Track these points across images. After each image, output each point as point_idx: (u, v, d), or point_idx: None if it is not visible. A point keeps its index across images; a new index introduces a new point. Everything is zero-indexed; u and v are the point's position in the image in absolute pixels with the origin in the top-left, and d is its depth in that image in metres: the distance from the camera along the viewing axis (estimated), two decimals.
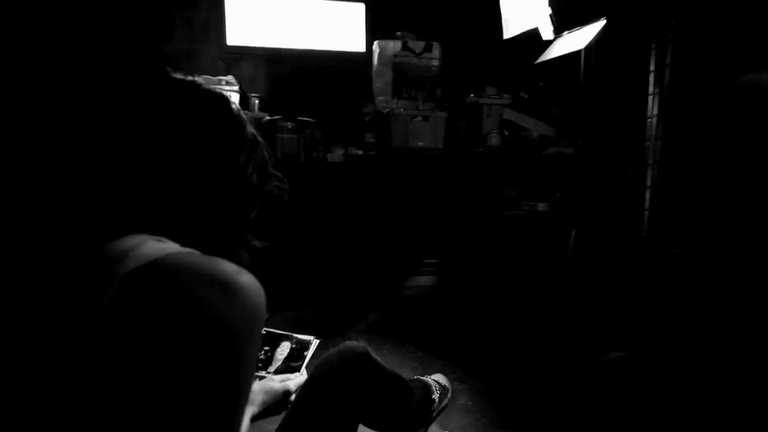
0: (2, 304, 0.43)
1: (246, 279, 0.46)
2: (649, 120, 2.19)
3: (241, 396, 0.44)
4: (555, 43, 2.04)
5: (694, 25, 2.00)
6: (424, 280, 2.50)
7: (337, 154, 2.47)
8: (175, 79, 0.58)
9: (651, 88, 2.17)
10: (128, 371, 0.38)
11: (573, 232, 1.95)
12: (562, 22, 1.94)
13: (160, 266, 0.42)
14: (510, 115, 2.49)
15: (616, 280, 1.90)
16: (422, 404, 1.06)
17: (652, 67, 2.15)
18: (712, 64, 2.00)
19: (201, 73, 2.47)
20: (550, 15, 1.88)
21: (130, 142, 0.51)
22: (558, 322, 1.90)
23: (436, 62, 2.56)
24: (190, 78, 0.59)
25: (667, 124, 2.14)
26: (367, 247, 2.47)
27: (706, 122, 2.04)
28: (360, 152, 2.51)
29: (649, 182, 2.21)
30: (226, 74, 2.52)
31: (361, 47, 2.73)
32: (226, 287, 0.43)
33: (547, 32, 1.97)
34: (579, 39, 1.87)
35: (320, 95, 2.65)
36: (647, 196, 2.22)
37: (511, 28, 2.22)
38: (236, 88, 2.43)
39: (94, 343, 0.38)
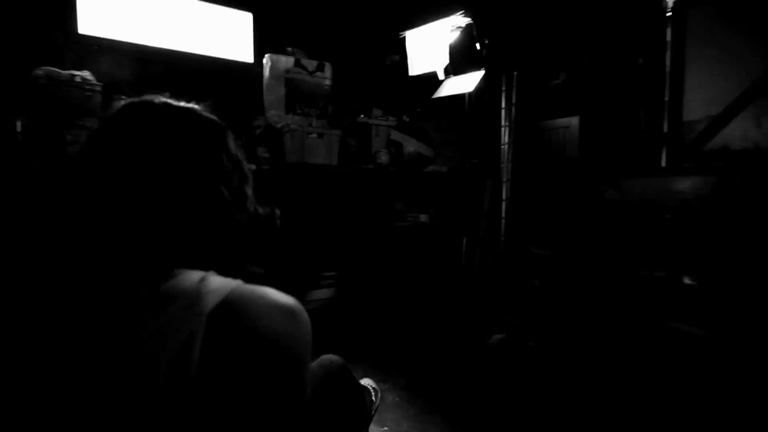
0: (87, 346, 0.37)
1: (298, 303, 0.50)
2: (503, 146, 2.74)
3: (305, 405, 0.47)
4: (446, 83, 2.41)
5: (524, 78, 2.62)
6: (324, 293, 2.55)
7: None
8: (180, 108, 0.56)
9: (503, 122, 2.72)
10: (228, 402, 0.38)
11: (464, 240, 2.30)
12: (455, 68, 2.31)
13: (234, 303, 0.43)
14: (396, 135, 2.77)
15: (493, 276, 2.32)
16: (368, 406, 1.15)
17: (503, 105, 2.71)
18: (530, 110, 2.65)
19: (44, 63, 2.02)
20: (447, 65, 2.24)
21: (143, 178, 0.49)
22: (452, 316, 2.20)
23: (328, 81, 2.66)
24: (190, 106, 0.59)
25: (514, 150, 2.72)
26: (264, 263, 2.38)
27: (530, 148, 2.68)
28: (253, 166, 2.42)
29: (504, 196, 2.77)
30: (78, 68, 2.12)
31: (248, 57, 2.64)
32: (292, 314, 0.47)
33: (442, 74, 2.32)
34: (466, 83, 2.26)
35: (202, 104, 2.45)
36: (503, 206, 2.77)
37: (416, 67, 2.52)
38: (98, 88, 2.07)
39: (194, 384, 0.37)
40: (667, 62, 2.28)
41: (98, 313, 0.38)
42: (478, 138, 2.86)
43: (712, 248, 1.60)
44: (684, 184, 2.06)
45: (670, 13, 2.25)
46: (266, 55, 2.52)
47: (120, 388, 0.36)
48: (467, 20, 2.26)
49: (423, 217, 2.95)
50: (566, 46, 2.48)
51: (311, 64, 2.60)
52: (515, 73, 2.61)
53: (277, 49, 2.56)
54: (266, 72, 2.51)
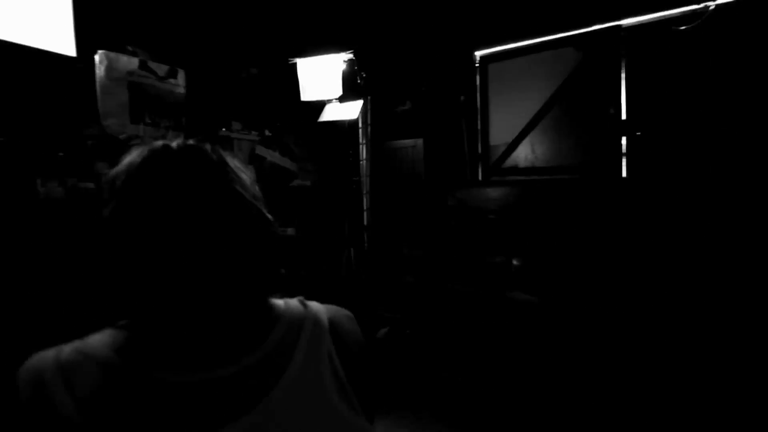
0: None
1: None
2: (361, 162, 3.06)
3: None
4: (329, 108, 2.56)
5: (377, 103, 3.01)
6: None
7: (54, 188, 1.87)
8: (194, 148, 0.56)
9: (361, 140, 3.03)
10: (362, 398, 0.49)
11: (352, 250, 2.46)
12: (340, 96, 2.46)
13: (335, 321, 0.53)
14: (261, 150, 2.73)
15: (368, 278, 2.58)
16: None
17: (360, 125, 3.03)
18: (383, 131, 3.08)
19: None
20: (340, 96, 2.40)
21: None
22: None
23: (181, 89, 2.42)
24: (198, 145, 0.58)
25: (372, 165, 3.07)
26: None
27: (386, 164, 3.10)
28: (91, 185, 2.01)
29: (365, 206, 3.08)
30: None
31: (69, 50, 2.14)
32: (353, 319, 0.59)
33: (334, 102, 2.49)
34: (350, 110, 2.47)
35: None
36: (365, 216, 3.08)
37: (307, 94, 2.56)
38: None
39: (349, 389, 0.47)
40: (478, 101, 3.03)
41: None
42: (336, 154, 3.09)
43: (524, 238, 2.28)
44: (495, 193, 2.80)
45: (478, 65, 3.00)
46: (99, 52, 2.11)
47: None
48: (350, 56, 2.47)
49: (290, 230, 2.98)
50: (410, 79, 2.98)
51: (161, 69, 2.31)
52: (369, 97, 2.96)
53: (115, 47, 2.17)
54: (101, 72, 2.11)
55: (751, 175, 1.91)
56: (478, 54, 3.01)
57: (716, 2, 2.01)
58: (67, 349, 0.43)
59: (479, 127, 3.08)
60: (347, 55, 2.50)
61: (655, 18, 2.35)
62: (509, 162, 3.03)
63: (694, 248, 1.89)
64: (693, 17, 2.10)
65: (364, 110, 2.96)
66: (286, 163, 2.90)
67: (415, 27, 2.92)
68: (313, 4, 2.75)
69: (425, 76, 2.95)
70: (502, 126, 3.01)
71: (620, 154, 2.52)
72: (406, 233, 2.84)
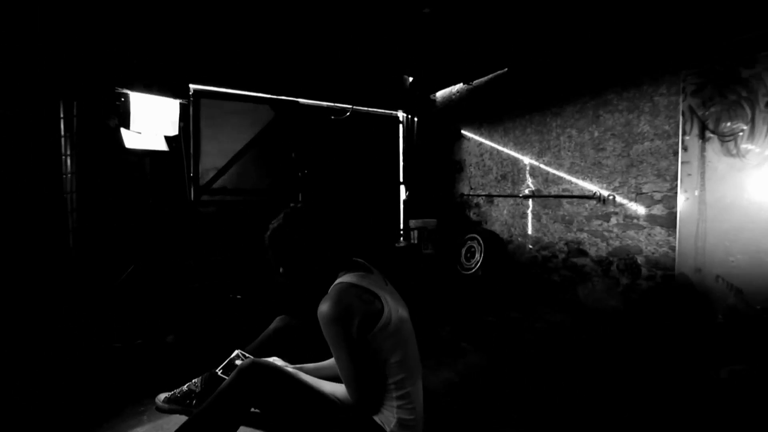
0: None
1: None
2: (64, 176, 2.65)
3: None
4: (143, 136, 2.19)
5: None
6: None
7: None
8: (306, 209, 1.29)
9: (64, 150, 2.65)
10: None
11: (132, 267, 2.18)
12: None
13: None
14: None
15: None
16: None
17: (62, 133, 2.62)
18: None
19: None
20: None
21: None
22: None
23: None
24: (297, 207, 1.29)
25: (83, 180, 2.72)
26: None
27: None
28: None
29: (71, 225, 2.68)
30: None
31: None
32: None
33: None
34: (161, 142, 2.23)
35: None
36: (70, 238, 2.68)
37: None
38: None
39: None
40: (191, 131, 3.39)
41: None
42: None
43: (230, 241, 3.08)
44: (208, 208, 3.35)
45: (192, 97, 3.37)
46: None
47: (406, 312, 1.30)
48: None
49: None
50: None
51: None
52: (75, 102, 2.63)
53: None
54: None
55: (359, 201, 3.74)
56: (192, 87, 3.38)
57: (353, 108, 3.73)
58: (345, 285, 1.07)
59: (191, 151, 3.44)
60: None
61: (324, 105, 3.83)
62: (219, 183, 3.62)
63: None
64: (343, 111, 3.73)
65: (67, 118, 2.59)
66: None
67: (135, 50, 2.90)
68: None
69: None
70: (216, 153, 3.54)
71: (298, 184, 3.81)
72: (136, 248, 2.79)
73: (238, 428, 1.08)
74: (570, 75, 3.06)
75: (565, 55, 3.10)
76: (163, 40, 3.06)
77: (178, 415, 1.56)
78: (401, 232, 4.31)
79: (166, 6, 2.87)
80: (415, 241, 3.89)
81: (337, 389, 1.16)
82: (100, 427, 1.53)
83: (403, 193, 4.40)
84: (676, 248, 2.39)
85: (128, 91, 2.74)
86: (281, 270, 1.27)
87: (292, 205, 1.31)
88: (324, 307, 1.10)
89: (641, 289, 2.61)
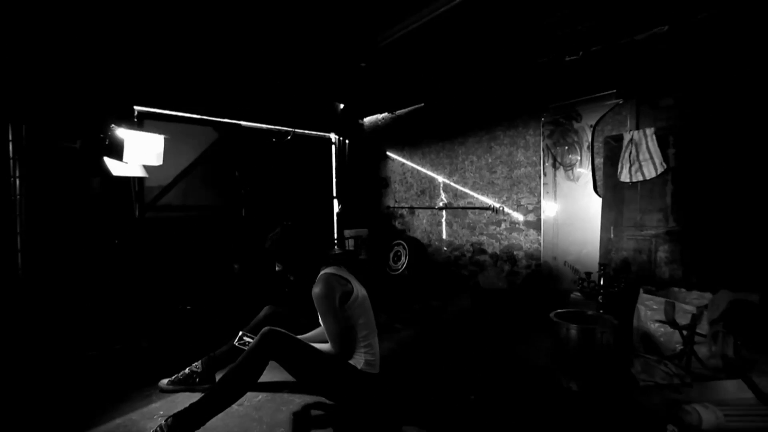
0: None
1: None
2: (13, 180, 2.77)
3: None
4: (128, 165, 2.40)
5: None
6: None
7: None
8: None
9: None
10: None
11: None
12: None
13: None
14: None
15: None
16: None
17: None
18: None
19: None
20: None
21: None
22: None
23: None
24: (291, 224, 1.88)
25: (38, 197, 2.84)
26: None
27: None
28: None
29: (19, 246, 2.79)
30: None
31: None
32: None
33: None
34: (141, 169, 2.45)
35: None
36: (19, 258, 2.78)
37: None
38: None
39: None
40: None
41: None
42: None
43: (179, 255, 3.38)
44: (153, 224, 3.60)
45: (136, 118, 3.57)
46: None
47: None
48: None
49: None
50: (81, 119, 3.07)
51: None
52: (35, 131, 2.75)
53: None
54: None
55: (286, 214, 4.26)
56: (137, 108, 3.60)
57: (294, 131, 4.24)
58: (328, 274, 1.67)
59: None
60: None
61: (264, 128, 4.27)
62: (164, 200, 3.85)
63: None
64: (286, 134, 4.22)
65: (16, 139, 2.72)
66: None
67: (84, 75, 3.09)
68: None
69: (94, 118, 3.16)
70: (160, 171, 3.76)
71: (241, 201, 4.19)
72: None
73: (261, 374, 1.59)
74: (471, 114, 3.99)
75: (466, 99, 4.02)
76: (109, 65, 3.26)
77: (183, 393, 1.96)
78: (335, 240, 4.88)
79: (114, 30, 3.11)
80: (351, 248, 4.50)
81: (323, 347, 1.73)
82: (112, 410, 1.86)
83: (336, 207, 4.99)
84: (542, 244, 3.38)
85: (124, 128, 2.97)
86: (279, 267, 1.80)
87: (285, 222, 1.84)
88: (316, 289, 1.67)
89: (521, 274, 3.57)
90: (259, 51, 3.50)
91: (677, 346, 2.00)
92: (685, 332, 1.97)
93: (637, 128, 2.81)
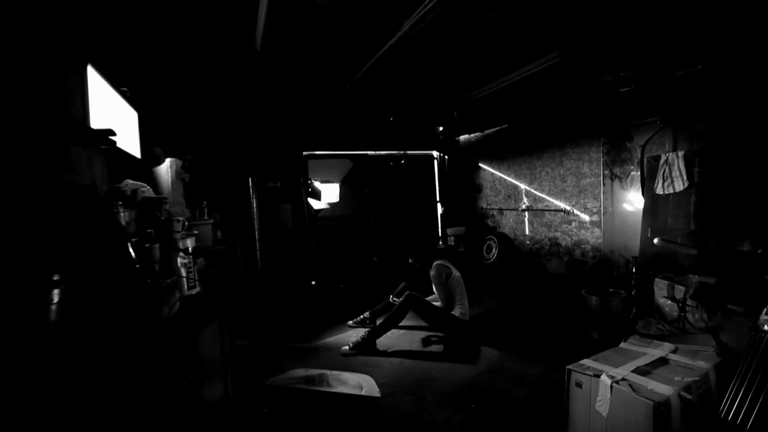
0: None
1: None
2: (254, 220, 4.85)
3: None
4: (321, 203, 4.31)
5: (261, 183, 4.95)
6: None
7: None
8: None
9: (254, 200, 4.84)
10: None
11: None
12: None
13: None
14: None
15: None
16: None
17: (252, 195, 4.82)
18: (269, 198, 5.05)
19: None
20: None
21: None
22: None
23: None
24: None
25: (261, 217, 4.91)
26: None
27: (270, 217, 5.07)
28: None
29: (258, 246, 4.89)
30: None
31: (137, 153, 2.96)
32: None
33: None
34: (326, 204, 4.38)
35: None
36: (257, 248, 4.88)
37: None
38: None
39: None
40: (301, 180, 5.56)
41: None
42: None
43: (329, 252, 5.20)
44: (315, 232, 5.51)
45: (304, 159, 5.53)
46: (169, 159, 3.10)
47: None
48: None
49: None
50: (281, 166, 5.09)
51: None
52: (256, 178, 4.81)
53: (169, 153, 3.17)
54: (170, 173, 3.11)
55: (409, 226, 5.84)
56: (304, 153, 5.55)
57: (405, 153, 5.84)
58: (440, 263, 3.18)
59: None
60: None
61: (383, 154, 5.95)
62: (321, 213, 5.78)
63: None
64: (400, 158, 5.85)
65: (253, 187, 4.78)
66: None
67: (273, 136, 5.08)
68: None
69: (286, 165, 5.16)
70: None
71: (370, 210, 5.93)
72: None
73: (403, 319, 3.19)
74: (546, 134, 5.06)
75: (542, 122, 5.10)
76: (291, 133, 5.23)
77: (361, 328, 3.69)
78: (439, 236, 6.37)
79: (292, 111, 5.04)
80: (452, 243, 5.95)
81: (436, 304, 3.26)
82: (321, 335, 3.67)
83: (439, 209, 6.47)
84: (602, 239, 4.38)
85: (318, 182, 4.97)
86: (411, 260, 3.39)
87: (409, 239, 3.40)
88: (432, 272, 3.22)
89: (589, 263, 4.60)
90: (382, 104, 5.14)
91: (675, 313, 3.02)
92: (680, 304, 2.98)
93: (674, 149, 3.66)
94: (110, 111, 2.22)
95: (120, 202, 1.69)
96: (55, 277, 1.10)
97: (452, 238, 6.00)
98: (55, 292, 1.10)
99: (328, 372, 2.78)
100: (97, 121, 1.96)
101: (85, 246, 1.22)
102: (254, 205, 4.85)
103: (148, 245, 1.58)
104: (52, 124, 1.46)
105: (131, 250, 1.33)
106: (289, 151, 5.28)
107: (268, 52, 3.59)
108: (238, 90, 4.54)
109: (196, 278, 1.95)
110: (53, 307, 1.09)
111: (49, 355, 1.03)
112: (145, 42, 3.20)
